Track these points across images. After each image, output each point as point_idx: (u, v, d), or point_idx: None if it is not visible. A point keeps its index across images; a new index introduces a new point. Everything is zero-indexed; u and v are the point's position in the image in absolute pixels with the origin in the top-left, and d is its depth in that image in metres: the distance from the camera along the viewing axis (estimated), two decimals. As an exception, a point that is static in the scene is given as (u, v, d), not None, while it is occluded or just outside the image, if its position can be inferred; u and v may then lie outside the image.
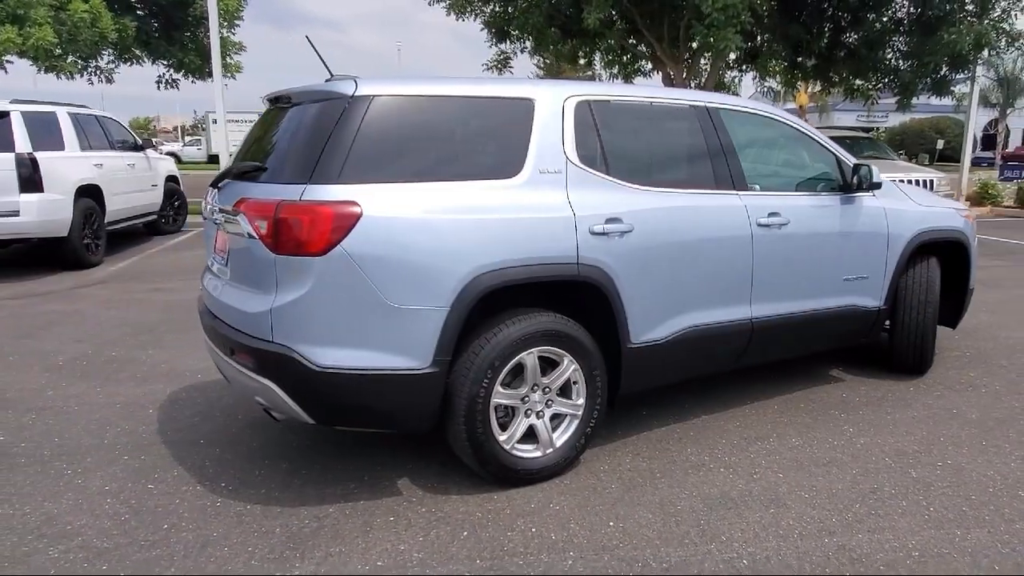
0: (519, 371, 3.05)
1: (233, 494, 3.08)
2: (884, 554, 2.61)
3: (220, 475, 3.25)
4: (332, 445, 3.57)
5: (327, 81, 3.05)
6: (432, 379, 2.82)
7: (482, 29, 18.46)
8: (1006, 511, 2.92)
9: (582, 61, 20.73)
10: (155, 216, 11.00)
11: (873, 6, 16.51)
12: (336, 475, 3.24)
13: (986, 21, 14.56)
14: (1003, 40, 14.37)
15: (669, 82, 18.00)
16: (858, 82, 18.46)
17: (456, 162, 2.99)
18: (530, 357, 3.03)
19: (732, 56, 14.63)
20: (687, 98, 3.70)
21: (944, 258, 4.57)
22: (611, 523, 2.83)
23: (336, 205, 2.66)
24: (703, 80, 18.23)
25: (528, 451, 3.11)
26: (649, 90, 3.67)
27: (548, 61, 23.45)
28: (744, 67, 17.61)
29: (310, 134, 2.83)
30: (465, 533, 2.77)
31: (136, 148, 10.35)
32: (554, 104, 3.20)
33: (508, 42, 18.05)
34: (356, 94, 2.82)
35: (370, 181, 2.75)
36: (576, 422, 3.20)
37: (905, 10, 16.21)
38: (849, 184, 4.06)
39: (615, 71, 20.50)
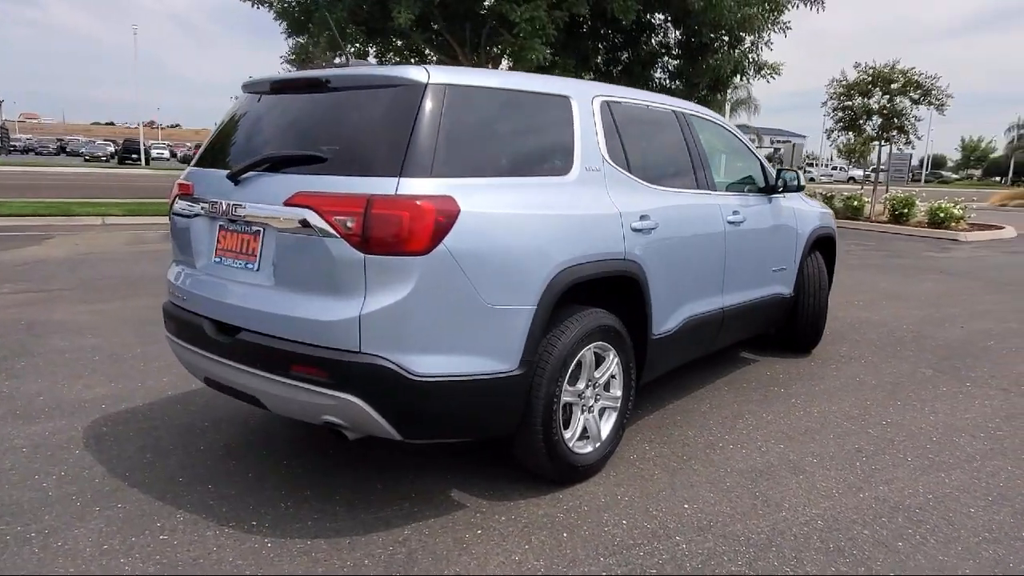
0: (576, 368, 3.05)
1: (277, 532, 2.69)
2: (910, 499, 3.06)
3: (240, 513, 2.81)
4: (338, 465, 3.26)
5: (388, 67, 2.80)
6: (520, 381, 2.73)
7: (275, 19, 17.46)
8: (959, 453, 3.56)
9: (372, 60, 20.36)
10: None
11: (640, 30, 18.43)
12: (378, 497, 2.97)
13: (736, 52, 16.98)
14: (752, 68, 16.88)
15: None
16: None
17: (520, 157, 2.93)
18: (588, 353, 3.05)
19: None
20: (668, 103, 3.96)
21: (823, 251, 5.37)
22: (685, 506, 2.96)
23: (437, 200, 2.47)
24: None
25: (582, 447, 3.12)
26: (643, 93, 3.85)
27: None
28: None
29: (388, 123, 2.58)
30: (565, 534, 2.72)
31: None
32: (586, 102, 3.25)
33: (307, 35, 17.22)
34: (431, 82, 2.63)
35: (457, 175, 2.59)
36: (615, 415, 3.28)
37: (673, 36, 18.29)
38: (774, 186, 4.61)
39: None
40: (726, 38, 16.87)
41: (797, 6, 15.90)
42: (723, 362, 5.02)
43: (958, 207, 14.80)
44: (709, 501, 3.00)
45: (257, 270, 2.73)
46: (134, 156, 51.38)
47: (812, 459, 3.45)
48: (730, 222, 4.05)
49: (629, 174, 3.36)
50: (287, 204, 2.56)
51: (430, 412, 2.59)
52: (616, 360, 3.21)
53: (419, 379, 2.49)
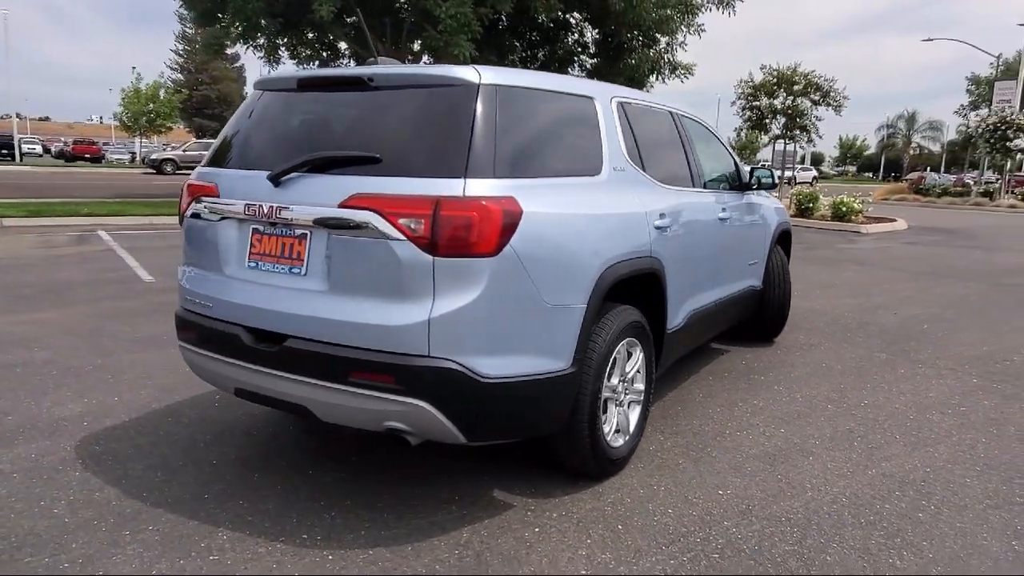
0: (611, 364, 3.12)
1: (333, 544, 2.62)
2: (912, 474, 3.31)
3: (285, 527, 2.71)
4: (366, 472, 3.20)
5: (428, 65, 2.75)
6: (572, 379, 2.77)
7: (181, 6, 16.63)
8: (937, 429, 3.88)
9: (284, 53, 19.68)
10: None
11: (557, 29, 18.74)
12: (422, 502, 2.93)
13: (652, 52, 17.57)
14: (667, 68, 17.51)
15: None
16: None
17: (560, 158, 2.96)
18: (622, 349, 3.13)
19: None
20: (662, 103, 4.08)
21: (783, 245, 5.68)
22: (720, 492, 3.10)
23: (502, 201, 2.47)
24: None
25: (615, 441, 3.20)
26: (642, 93, 3.95)
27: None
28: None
29: (445, 123, 2.55)
30: (619, 527, 2.78)
31: None
32: (606, 102, 3.32)
33: (219, 26, 16.47)
34: (483, 82, 2.62)
35: (514, 176, 2.59)
36: (639, 407, 3.38)
37: (591, 35, 18.70)
38: (748, 184, 4.85)
39: (313, 66, 19.90)
40: (642, 39, 17.41)
41: (710, 9, 16.59)
42: (699, 354, 5.23)
43: (857, 202, 15.93)
44: (739, 486, 3.14)
45: (304, 275, 2.64)
46: (4, 151, 47.00)
47: (814, 441, 3.67)
48: (720, 219, 4.24)
49: (645, 174, 3.45)
50: (343, 206, 2.49)
51: (496, 413, 2.59)
52: (641, 355, 3.31)
53: (487, 381, 2.48)
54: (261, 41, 18.24)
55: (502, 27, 18.17)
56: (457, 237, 2.39)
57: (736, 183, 4.80)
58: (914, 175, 46.56)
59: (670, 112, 4.07)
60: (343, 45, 19.57)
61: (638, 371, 3.33)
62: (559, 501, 2.97)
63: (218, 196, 2.85)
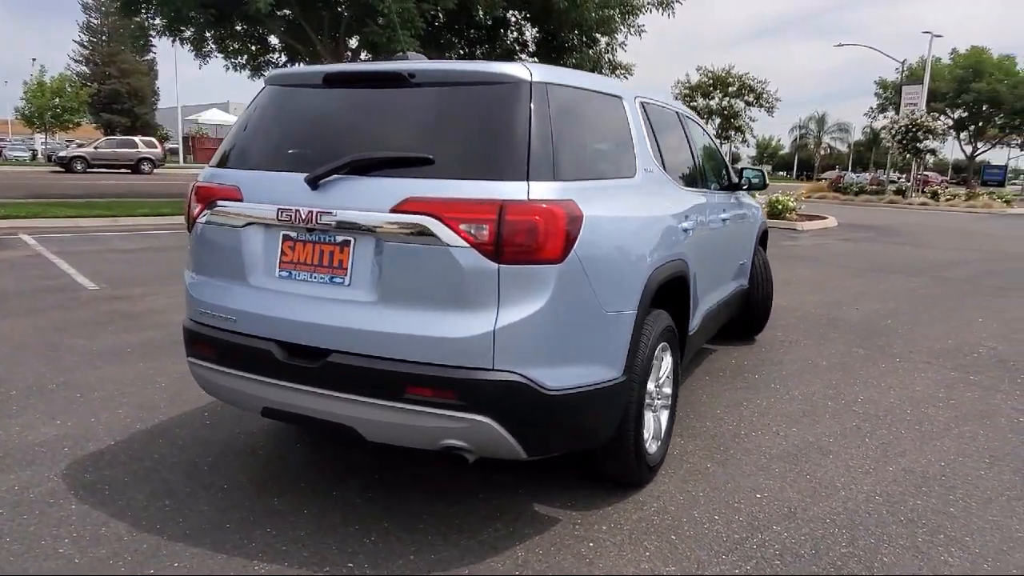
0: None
1: (383, 569, 2.45)
2: (929, 468, 3.39)
3: (326, 555, 2.53)
4: (394, 491, 3.03)
5: (468, 61, 2.61)
6: (625, 387, 2.70)
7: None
8: (936, 423, 4.00)
9: (212, 46, 18.81)
10: None
11: (497, 26, 18.65)
12: (464, 521, 2.79)
13: (592, 51, 17.73)
14: (608, 68, 17.69)
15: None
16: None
17: (602, 159, 2.88)
18: (659, 354, 3.08)
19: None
20: (669, 103, 4.05)
21: (762, 243, 5.78)
22: (758, 495, 3.08)
23: (565, 205, 2.36)
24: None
25: (651, 447, 3.14)
26: (653, 92, 3.90)
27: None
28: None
29: (501, 123, 2.41)
30: (673, 536, 2.72)
31: None
32: (631, 102, 3.26)
33: (142, 15, 15.60)
34: (535, 80, 2.50)
35: (570, 178, 2.49)
36: (667, 412, 3.33)
37: (531, 34, 18.69)
38: (739, 184, 4.89)
39: (241, 60, 19.15)
40: (584, 38, 17.53)
41: (650, 10, 16.85)
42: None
43: (792, 200, 16.52)
44: (774, 488, 3.14)
45: (348, 285, 2.46)
46: None
47: (828, 440, 3.72)
48: (723, 220, 4.25)
49: (667, 174, 3.41)
50: (397, 211, 2.32)
51: (557, 426, 2.48)
52: (670, 359, 3.26)
53: (551, 393, 2.37)
54: (187, 34, 17.42)
55: (438, 24, 17.93)
56: (523, 243, 2.26)
57: (727, 183, 4.84)
58: (832, 174, 48.97)
59: (676, 112, 4.05)
60: (274, 39, 18.92)
61: (668, 376, 3.28)
62: (603, 513, 2.89)
63: (241, 200, 2.62)
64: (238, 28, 17.71)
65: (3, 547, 2.53)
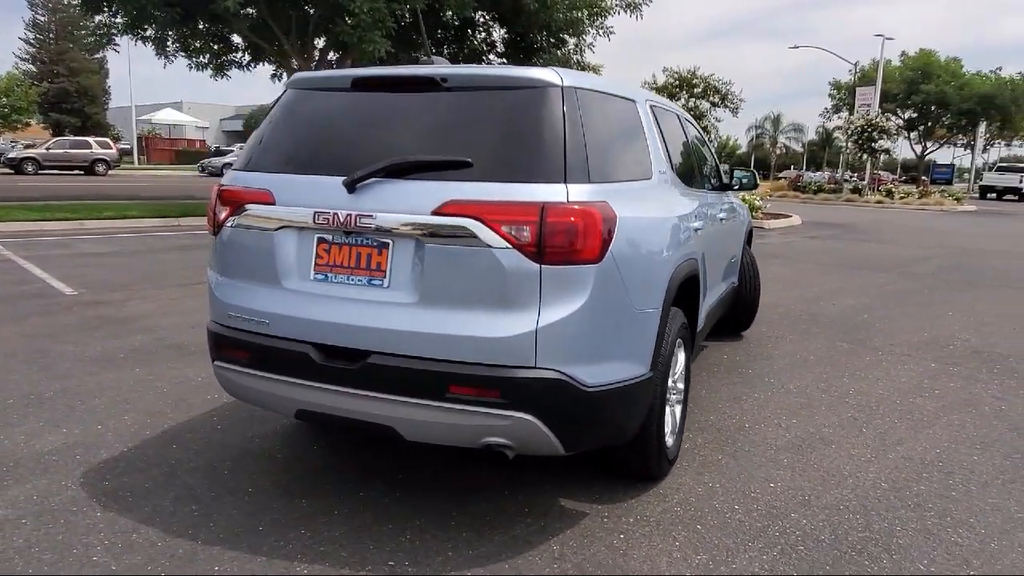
0: (669, 365, 3.15)
1: (424, 568, 2.50)
2: (927, 455, 3.55)
3: (366, 555, 2.56)
4: (419, 489, 3.07)
5: (502, 66, 2.66)
6: (651, 383, 2.78)
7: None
8: (925, 412, 4.19)
9: (173, 47, 18.42)
10: None
11: (465, 27, 18.65)
12: (495, 518, 2.85)
13: (561, 52, 17.87)
14: (576, 69, 17.85)
15: (295, 80, 17.47)
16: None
17: (623, 161, 2.95)
18: (676, 351, 3.17)
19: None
20: (669, 104, 4.16)
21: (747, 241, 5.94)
22: (771, 484, 3.20)
23: (600, 206, 2.43)
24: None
25: (669, 441, 3.23)
26: (656, 95, 4.00)
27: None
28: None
29: (536, 126, 2.47)
30: (699, 527, 2.81)
31: None
32: (643, 105, 3.35)
33: (107, 13, 15.23)
34: (566, 84, 2.57)
35: (602, 180, 2.56)
36: (680, 407, 3.43)
37: (499, 34, 18.74)
38: (729, 184, 5.02)
39: (204, 59, 18.80)
40: (552, 39, 17.65)
41: (618, 12, 17.05)
42: (681, 349, 5.37)
43: (758, 199, 16.91)
44: (786, 478, 3.26)
45: (387, 287, 2.49)
46: None
47: (828, 430, 3.87)
48: (721, 219, 4.37)
49: (676, 176, 3.51)
50: (438, 213, 2.37)
51: (594, 422, 2.55)
52: (683, 356, 3.36)
53: (589, 390, 2.44)
54: (149, 32, 17.05)
55: (405, 24, 17.85)
56: (564, 244, 2.33)
57: (719, 183, 4.97)
58: (792, 173, 50.12)
59: (676, 114, 4.15)
60: (237, 38, 18.60)
61: (681, 372, 3.38)
62: (628, 506, 2.97)
63: (273, 203, 2.63)
64: (201, 27, 17.40)
65: (35, 557, 2.50)
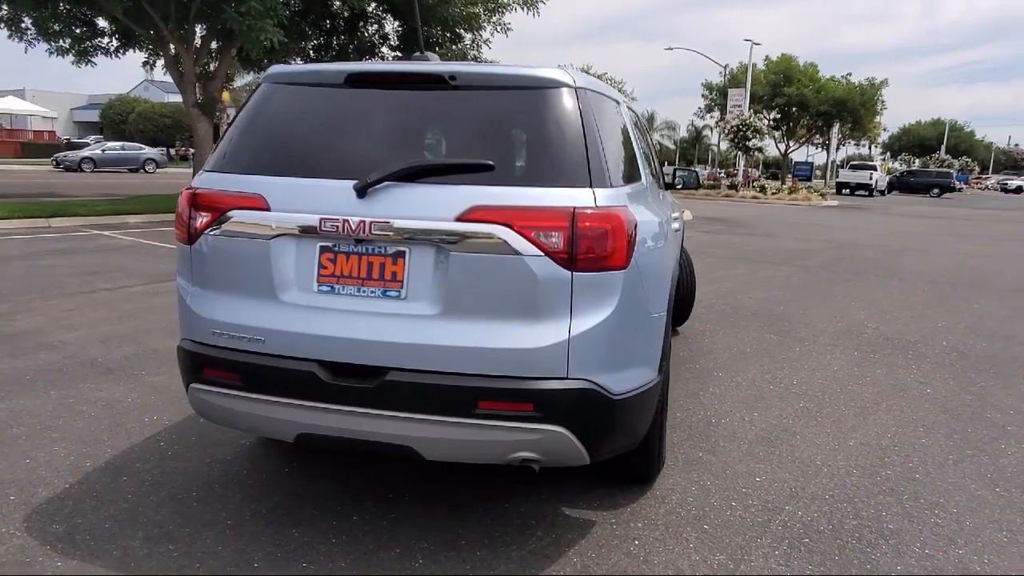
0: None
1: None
2: (882, 440, 3.78)
3: (386, 566, 2.41)
4: (419, 503, 2.93)
5: (484, 62, 2.55)
6: (660, 387, 2.78)
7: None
8: (864, 399, 4.45)
9: (31, 30, 16.70)
10: None
11: (357, 18, 18.12)
12: (504, 531, 2.75)
13: (457, 47, 17.75)
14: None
15: (175, 67, 16.34)
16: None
17: (625, 164, 2.91)
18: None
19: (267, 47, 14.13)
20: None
21: (680, 240, 6.11)
22: (757, 479, 3.28)
23: (623, 210, 2.39)
24: (213, 68, 17.07)
25: (657, 441, 3.25)
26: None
27: None
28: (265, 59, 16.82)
29: (557, 128, 2.38)
30: (706, 527, 2.84)
31: None
32: (623, 105, 3.34)
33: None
34: (578, 85, 2.51)
35: (617, 184, 2.52)
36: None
37: (392, 27, 18.33)
38: (672, 184, 5.13)
39: (64, 44, 17.25)
40: (449, 34, 17.47)
41: (515, 9, 17.10)
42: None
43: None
44: (767, 471, 3.36)
45: (404, 298, 2.33)
46: None
47: (787, 421, 4.03)
48: (675, 218, 4.45)
49: (653, 179, 3.53)
50: (462, 220, 2.24)
51: (618, 429, 2.51)
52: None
53: (616, 398, 2.40)
54: (3, 12, 15.38)
55: (292, 13, 17.09)
56: (594, 250, 2.27)
57: (664, 183, 5.07)
58: (668, 170, 52.54)
59: (636, 113, 4.18)
60: (102, 22, 17.10)
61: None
62: (632, 510, 2.96)
63: (268, 209, 2.40)
64: (63, 7, 15.86)
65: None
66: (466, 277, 2.27)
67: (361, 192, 2.30)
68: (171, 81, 17.51)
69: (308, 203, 2.36)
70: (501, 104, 2.46)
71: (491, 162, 2.30)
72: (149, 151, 36.48)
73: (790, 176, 43.12)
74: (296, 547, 2.60)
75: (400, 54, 18.59)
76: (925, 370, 5.13)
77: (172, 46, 16.13)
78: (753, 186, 31.61)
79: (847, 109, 45.43)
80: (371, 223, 2.28)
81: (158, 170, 35.23)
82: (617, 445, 2.62)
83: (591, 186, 2.32)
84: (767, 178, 50.72)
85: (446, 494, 3.03)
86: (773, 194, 29.61)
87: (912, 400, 4.47)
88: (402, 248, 2.32)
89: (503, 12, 17.09)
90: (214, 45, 16.99)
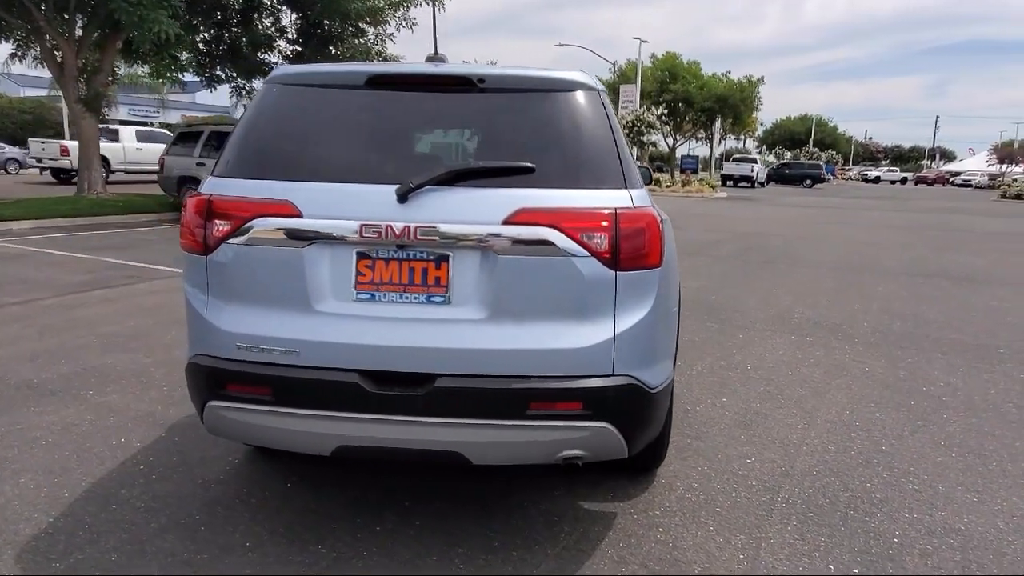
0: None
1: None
2: (843, 417, 4.07)
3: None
4: (436, 510, 2.91)
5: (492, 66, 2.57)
6: (673, 378, 2.88)
7: None
8: (815, 381, 4.78)
9: None
10: None
11: (248, 10, 17.39)
12: (534, 532, 2.79)
13: (359, 42, 17.40)
14: (377, 59, 17.45)
15: (55, 63, 15.08)
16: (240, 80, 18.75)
17: (632, 163, 2.99)
18: (663, 344, 3.31)
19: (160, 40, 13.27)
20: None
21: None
22: (748, 461, 3.47)
23: (653, 210, 2.47)
24: (94, 62, 15.85)
25: (659, 432, 3.36)
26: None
27: None
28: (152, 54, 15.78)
29: (588, 130, 2.43)
30: (719, 510, 2.98)
31: None
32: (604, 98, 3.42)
33: None
34: (600, 88, 2.57)
35: (640, 185, 2.60)
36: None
37: (290, 20, 17.69)
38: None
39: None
40: (351, 28, 17.08)
41: (420, 4, 16.92)
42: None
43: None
44: (755, 453, 3.56)
45: (448, 303, 2.30)
46: None
47: (755, 404, 4.27)
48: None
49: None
50: (510, 223, 2.25)
51: (653, 422, 2.58)
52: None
53: (654, 391, 2.48)
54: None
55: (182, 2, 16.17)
56: (635, 249, 2.34)
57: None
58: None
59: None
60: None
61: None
62: (646, 499, 3.06)
63: (300, 216, 2.30)
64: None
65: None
66: (513, 280, 2.28)
67: (403, 197, 2.25)
68: (29, 74, 16.14)
69: (345, 209, 2.29)
70: (531, 107, 2.48)
71: (532, 165, 2.32)
72: (10, 150, 33.34)
73: (679, 170, 45.00)
74: (330, 564, 2.52)
75: (299, 48, 17.98)
76: (858, 350, 5.56)
77: (48, 37, 14.87)
78: (649, 179, 32.74)
79: (728, 105, 48.05)
80: (416, 228, 2.24)
81: (21, 171, 32.35)
82: (650, 436, 2.70)
83: (626, 187, 2.38)
84: (655, 171, 52.78)
85: (460, 496, 3.02)
86: (668, 187, 30.87)
87: (855, 378, 4.83)
88: (445, 252, 2.30)
89: (408, 6, 16.88)
90: (95, 37, 15.78)
